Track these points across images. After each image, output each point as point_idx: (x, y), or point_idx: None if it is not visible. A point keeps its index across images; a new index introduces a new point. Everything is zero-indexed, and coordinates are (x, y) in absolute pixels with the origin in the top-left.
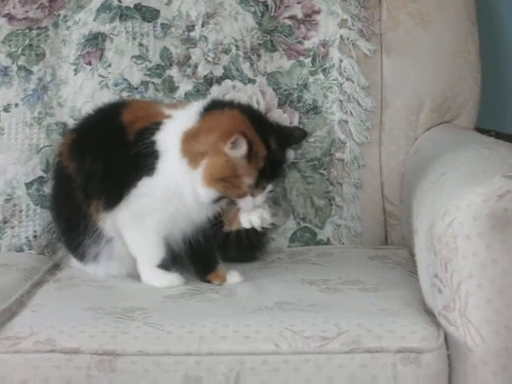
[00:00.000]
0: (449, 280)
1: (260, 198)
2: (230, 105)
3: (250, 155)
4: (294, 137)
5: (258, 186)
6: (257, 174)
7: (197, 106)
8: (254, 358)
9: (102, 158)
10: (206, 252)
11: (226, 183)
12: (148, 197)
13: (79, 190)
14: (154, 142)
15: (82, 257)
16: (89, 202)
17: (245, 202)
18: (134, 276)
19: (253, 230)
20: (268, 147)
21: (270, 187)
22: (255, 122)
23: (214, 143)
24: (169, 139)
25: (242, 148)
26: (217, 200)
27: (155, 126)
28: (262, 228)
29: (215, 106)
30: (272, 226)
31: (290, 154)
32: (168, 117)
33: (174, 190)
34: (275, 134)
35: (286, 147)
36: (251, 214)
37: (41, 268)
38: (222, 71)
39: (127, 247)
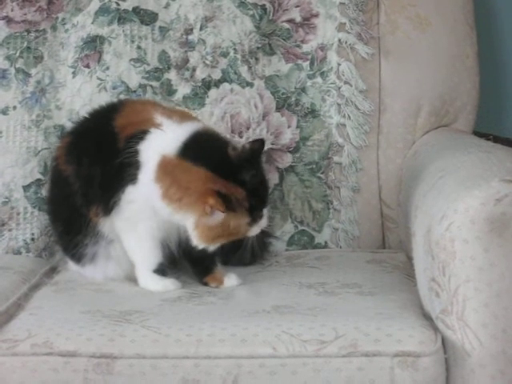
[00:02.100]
0: (446, 284)
1: (256, 228)
2: (195, 154)
3: (232, 208)
4: (255, 150)
5: (256, 218)
6: (248, 214)
7: (183, 131)
8: (252, 362)
9: (98, 163)
10: (204, 254)
11: (225, 235)
12: (135, 204)
13: (78, 194)
14: (137, 152)
15: (79, 258)
16: (88, 206)
17: (252, 232)
18: (132, 279)
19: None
20: (244, 185)
21: (266, 210)
22: (220, 169)
23: (193, 206)
24: (151, 152)
25: (219, 213)
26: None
27: (141, 135)
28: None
29: (190, 148)
30: (269, 226)
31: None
32: (157, 126)
33: (152, 202)
34: (243, 160)
35: (256, 163)
36: None
37: (38, 271)
38: (220, 74)
39: (125, 251)
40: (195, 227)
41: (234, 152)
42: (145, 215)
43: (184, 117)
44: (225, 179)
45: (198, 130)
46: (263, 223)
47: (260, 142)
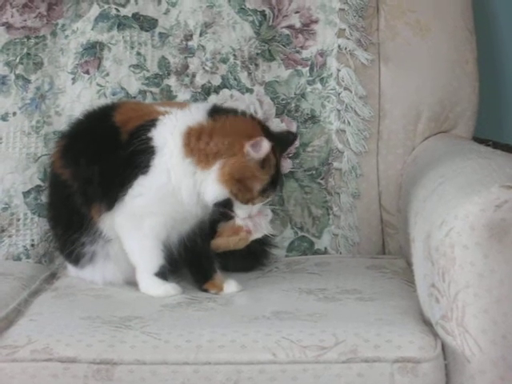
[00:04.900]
0: (446, 290)
1: (257, 206)
2: (240, 112)
3: (265, 161)
4: (287, 141)
5: (264, 193)
6: (268, 180)
7: (199, 107)
8: (252, 368)
9: (97, 162)
10: (203, 260)
11: (241, 185)
12: (143, 197)
13: (77, 194)
14: (149, 139)
15: (77, 259)
16: (89, 205)
17: (243, 209)
18: (131, 283)
19: (254, 240)
20: (275, 155)
21: (271, 197)
22: (265, 130)
23: (232, 144)
24: (167, 134)
25: (262, 151)
26: (221, 203)
27: (150, 123)
28: (264, 236)
29: (222, 111)
30: (272, 235)
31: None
32: (164, 113)
33: (169, 187)
34: (280, 140)
35: (282, 153)
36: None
37: (38, 277)
38: (220, 80)
39: (126, 254)
40: (221, 168)
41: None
42: (152, 209)
43: (185, 103)
44: (266, 137)
45: (215, 103)
46: (255, 208)
47: (293, 136)
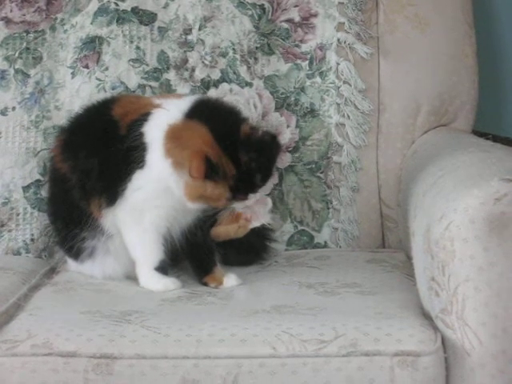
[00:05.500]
0: (446, 283)
1: (252, 198)
2: (204, 116)
3: (214, 177)
4: (264, 141)
5: (235, 197)
6: (228, 190)
7: (185, 101)
8: (252, 361)
9: (96, 155)
10: (204, 253)
11: (207, 199)
12: (143, 190)
13: (76, 188)
14: (142, 134)
15: (78, 254)
16: (88, 199)
17: (236, 204)
18: (130, 276)
19: (254, 233)
20: (238, 164)
21: (254, 195)
22: (224, 138)
23: (184, 162)
24: (155, 131)
25: (195, 177)
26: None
27: (143, 118)
28: (262, 226)
29: (197, 110)
30: (270, 225)
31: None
32: (157, 106)
33: (164, 182)
34: (247, 144)
35: (263, 151)
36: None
37: (38, 271)
38: (219, 74)
39: (127, 248)
40: (186, 185)
41: (247, 129)
42: (152, 203)
43: (181, 95)
44: (223, 149)
45: (204, 98)
46: (249, 200)
47: (272, 137)
